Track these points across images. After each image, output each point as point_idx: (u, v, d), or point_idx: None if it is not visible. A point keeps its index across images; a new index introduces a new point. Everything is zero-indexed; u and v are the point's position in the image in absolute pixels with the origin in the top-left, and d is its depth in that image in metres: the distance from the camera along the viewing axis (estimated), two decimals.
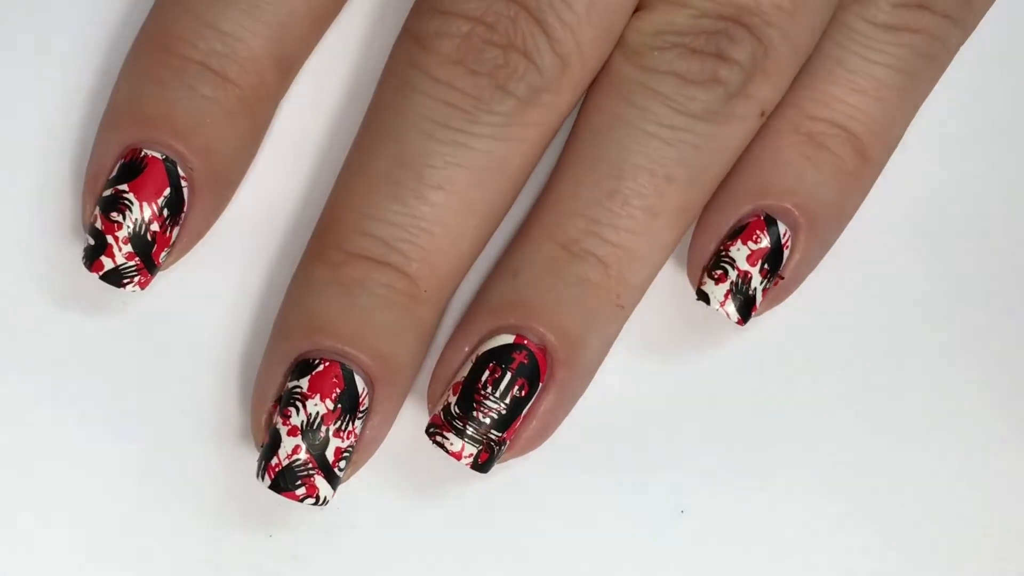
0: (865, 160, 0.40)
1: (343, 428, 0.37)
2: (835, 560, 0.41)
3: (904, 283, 0.43)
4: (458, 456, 0.38)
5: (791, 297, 0.41)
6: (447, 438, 0.38)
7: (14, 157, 0.41)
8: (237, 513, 0.40)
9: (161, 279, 0.40)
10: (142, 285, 0.38)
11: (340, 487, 0.39)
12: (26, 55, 0.42)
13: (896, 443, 0.42)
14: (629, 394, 0.42)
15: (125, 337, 0.41)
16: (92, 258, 0.38)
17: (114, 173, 0.38)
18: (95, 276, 0.38)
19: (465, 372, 0.38)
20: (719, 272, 0.39)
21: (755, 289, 0.39)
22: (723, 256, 0.39)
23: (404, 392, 0.39)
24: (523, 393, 0.38)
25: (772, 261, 0.39)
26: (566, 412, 0.39)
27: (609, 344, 0.40)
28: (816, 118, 0.39)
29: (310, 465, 0.37)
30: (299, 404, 0.37)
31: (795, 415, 0.42)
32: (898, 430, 0.42)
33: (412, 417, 0.40)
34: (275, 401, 0.38)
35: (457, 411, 0.38)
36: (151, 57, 0.39)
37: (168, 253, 0.39)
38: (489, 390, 0.38)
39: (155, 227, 0.38)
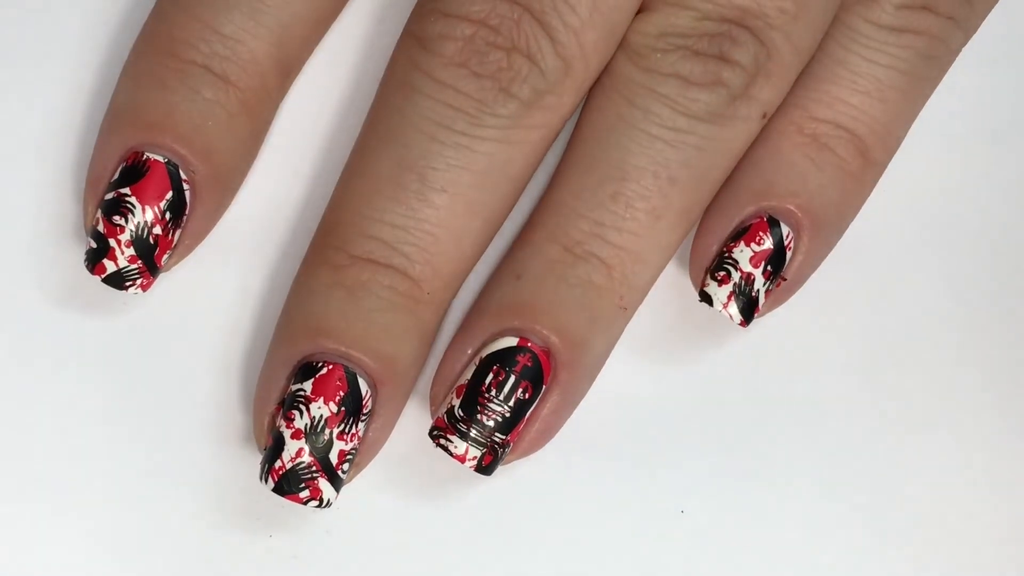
0: (867, 161, 0.40)
1: (347, 431, 0.37)
2: (835, 560, 0.41)
3: (904, 283, 0.43)
4: (462, 459, 0.38)
5: (793, 298, 0.41)
6: (451, 441, 0.38)
7: (15, 160, 0.41)
8: (237, 513, 0.40)
9: (163, 281, 0.40)
10: (144, 287, 0.38)
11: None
12: (26, 57, 0.42)
13: (896, 443, 0.42)
14: (630, 394, 0.42)
15: (127, 339, 0.41)
16: (94, 261, 0.38)
17: (116, 176, 0.38)
18: (97, 279, 0.38)
19: (468, 375, 0.38)
20: (722, 274, 0.39)
21: (758, 291, 0.39)
22: (726, 257, 0.39)
23: (407, 394, 0.39)
24: (527, 395, 0.38)
25: (775, 262, 0.39)
26: (569, 413, 0.39)
27: (612, 345, 0.40)
28: (819, 119, 0.39)
29: (314, 468, 0.37)
30: (303, 407, 0.37)
31: (795, 415, 0.42)
32: (898, 430, 0.42)
33: (413, 418, 0.40)
34: (278, 404, 0.38)
35: (461, 414, 0.38)
36: (152, 60, 0.39)
37: (170, 255, 0.39)
38: (493, 393, 0.38)
39: (157, 230, 0.38)
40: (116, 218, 0.38)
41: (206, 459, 0.40)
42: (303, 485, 0.37)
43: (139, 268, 0.38)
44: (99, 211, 0.38)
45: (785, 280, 0.40)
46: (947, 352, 0.43)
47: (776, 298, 0.40)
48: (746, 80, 0.38)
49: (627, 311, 0.39)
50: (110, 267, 0.38)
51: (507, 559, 0.41)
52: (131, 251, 0.38)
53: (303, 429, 0.37)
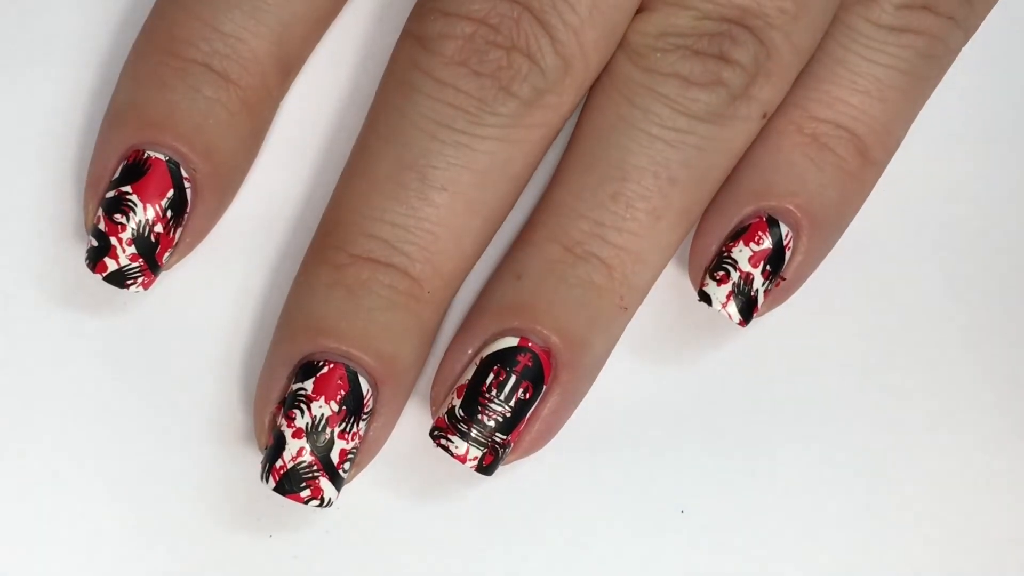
0: (867, 161, 0.40)
1: (348, 430, 0.37)
2: (835, 560, 0.41)
3: (904, 283, 0.43)
4: (463, 459, 0.38)
5: (792, 297, 0.41)
6: (451, 441, 0.38)
7: (16, 159, 0.41)
8: (238, 513, 0.40)
9: (164, 280, 0.40)
10: (145, 286, 0.38)
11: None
12: (27, 56, 0.42)
13: (896, 443, 0.42)
14: (630, 394, 0.42)
15: (128, 339, 0.41)
16: (96, 259, 0.38)
17: (117, 175, 0.38)
18: (98, 277, 0.38)
19: (469, 375, 0.38)
20: (721, 273, 0.39)
21: (757, 290, 0.39)
22: (725, 257, 0.39)
23: (407, 393, 0.39)
24: (527, 395, 0.38)
25: (774, 262, 0.39)
26: (570, 413, 0.39)
27: (612, 345, 0.40)
28: (819, 119, 0.39)
29: (315, 467, 0.37)
30: (304, 406, 0.37)
31: (795, 415, 0.42)
32: (898, 430, 0.42)
33: (414, 418, 0.40)
34: (278, 403, 0.38)
35: (462, 414, 0.38)
36: (153, 58, 0.39)
37: (171, 253, 0.39)
38: (494, 393, 0.38)
39: (159, 228, 0.38)
40: (117, 216, 0.38)
41: (206, 459, 0.40)
42: (304, 484, 0.37)
43: (140, 266, 0.38)
44: (100, 209, 0.38)
45: (784, 280, 0.40)
46: (947, 352, 0.43)
47: (775, 298, 0.40)
48: (746, 80, 0.38)
49: (627, 311, 0.39)
50: (111, 265, 0.38)
51: (507, 559, 0.41)
52: (132, 249, 0.38)
53: (304, 428, 0.37)
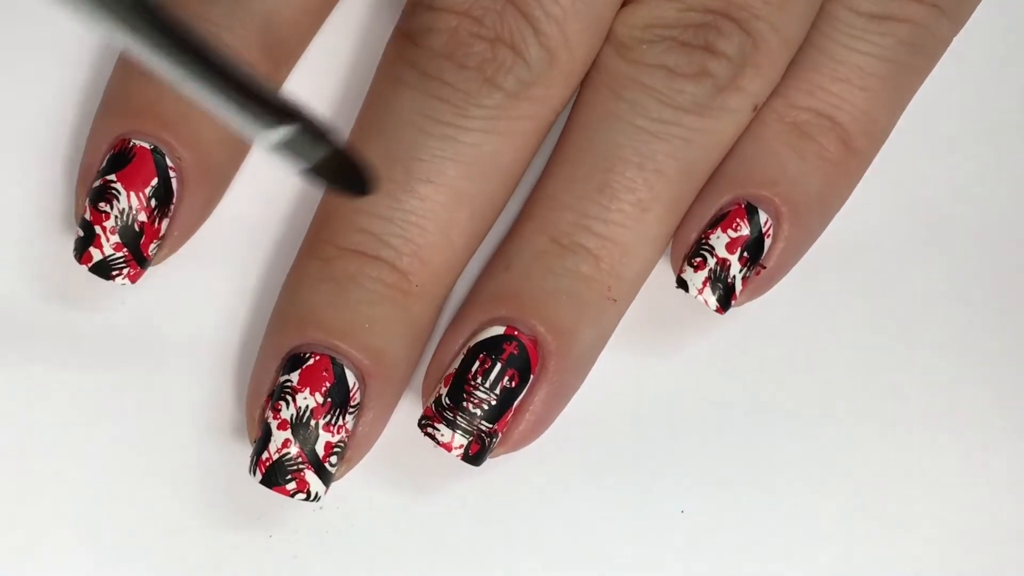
0: (850, 150, 0.40)
1: (333, 422, 0.37)
2: (835, 560, 0.41)
3: (904, 283, 0.43)
4: (448, 447, 0.38)
5: (791, 296, 0.41)
6: (438, 429, 0.38)
7: (13, 152, 0.41)
8: (237, 513, 0.40)
9: (161, 278, 0.40)
10: (132, 278, 0.38)
11: (341, 486, 0.39)
12: (28, 55, 0.42)
13: (896, 443, 0.42)
14: (629, 394, 0.42)
15: (125, 338, 0.41)
16: (82, 250, 0.38)
17: (104, 164, 0.38)
18: (85, 269, 0.38)
19: (457, 364, 0.38)
20: (698, 260, 0.39)
21: (734, 277, 0.39)
22: (703, 244, 0.39)
23: (398, 388, 0.39)
24: (513, 384, 0.38)
25: (752, 250, 0.39)
26: (560, 406, 0.39)
27: (604, 338, 0.40)
28: (801, 107, 0.39)
29: (300, 460, 0.37)
30: (289, 398, 0.37)
31: (795, 415, 0.42)
32: (898, 430, 0.42)
33: (413, 417, 0.40)
34: (268, 395, 0.38)
35: (448, 402, 0.38)
36: None
37: (158, 246, 0.39)
38: (479, 381, 0.38)
39: (142, 216, 0.38)
40: (102, 205, 0.38)
41: (205, 458, 0.40)
42: (290, 477, 0.37)
43: (125, 256, 0.38)
44: (87, 199, 0.38)
45: (764, 268, 0.40)
46: (947, 352, 0.43)
47: (756, 287, 0.40)
48: (732, 71, 0.38)
49: (617, 303, 0.39)
50: (96, 255, 0.38)
51: (507, 559, 0.41)
52: (116, 239, 0.38)
53: (289, 420, 0.37)
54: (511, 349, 0.38)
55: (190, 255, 0.40)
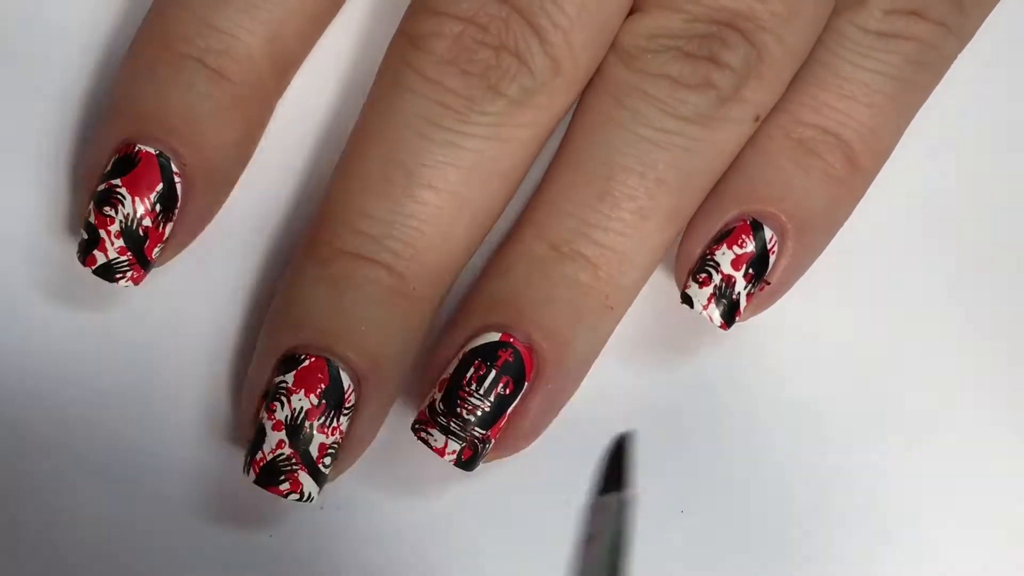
0: (855, 167, 0.40)
1: (327, 424, 0.37)
2: (835, 560, 0.41)
3: (904, 284, 0.43)
4: (441, 452, 0.38)
5: (791, 297, 0.41)
6: (431, 434, 0.38)
7: (16, 153, 0.41)
8: (237, 514, 0.40)
9: (160, 277, 0.40)
10: (135, 280, 0.38)
11: (342, 487, 0.39)
12: (27, 54, 0.42)
13: (896, 443, 0.42)
14: (629, 394, 0.42)
15: (125, 338, 0.41)
16: (86, 252, 0.38)
17: (109, 168, 0.38)
18: (89, 271, 0.38)
19: (452, 369, 0.38)
20: (703, 276, 0.39)
21: (739, 294, 0.39)
22: (708, 260, 0.39)
23: (392, 391, 0.39)
24: (508, 391, 0.38)
25: (757, 266, 0.39)
26: (554, 413, 0.39)
27: (599, 346, 0.40)
28: (806, 124, 0.39)
29: (293, 460, 0.37)
30: (284, 399, 0.37)
31: (795, 415, 0.42)
32: (898, 430, 0.42)
33: (412, 417, 0.40)
34: (263, 396, 0.38)
35: (442, 407, 0.38)
36: (148, 53, 0.39)
37: (162, 249, 0.39)
38: (473, 387, 0.38)
39: (147, 222, 0.38)
40: (107, 209, 0.38)
41: (205, 458, 0.40)
42: (283, 478, 0.37)
43: (129, 260, 0.38)
44: (92, 203, 0.38)
45: (768, 284, 0.40)
46: (946, 351, 0.42)
47: (760, 302, 0.40)
48: (736, 82, 0.38)
49: (614, 311, 0.39)
50: (100, 258, 0.38)
51: (507, 559, 0.41)
52: (121, 242, 0.38)
53: (283, 421, 0.37)
54: (506, 356, 0.38)
55: (189, 256, 0.40)
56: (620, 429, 0.41)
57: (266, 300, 0.40)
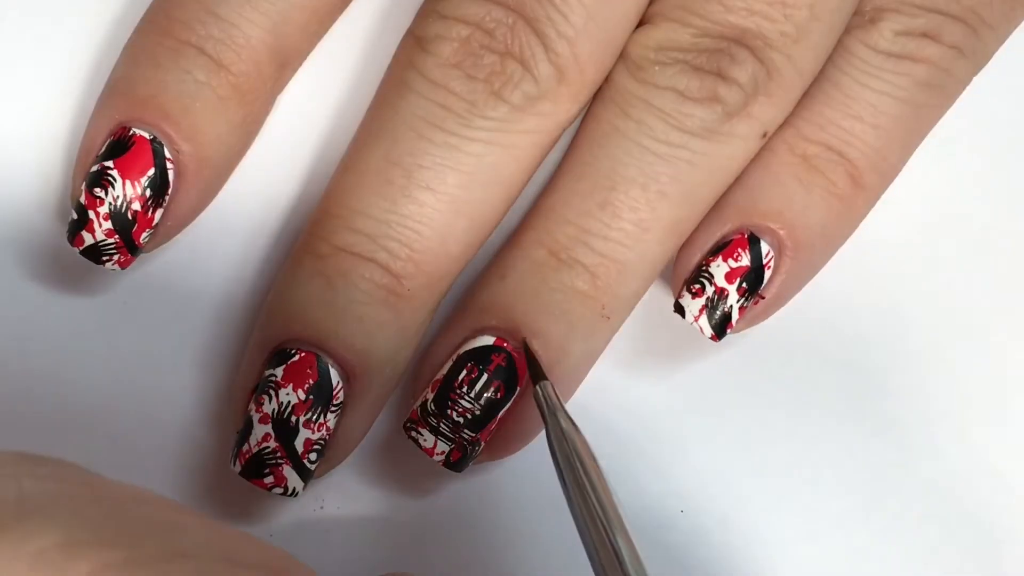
0: (858, 185, 0.39)
1: (314, 420, 0.37)
2: (835, 560, 0.41)
3: (904, 283, 0.43)
4: (430, 453, 0.38)
5: (793, 297, 0.41)
6: (421, 434, 0.38)
7: (16, 140, 0.41)
8: (237, 513, 0.40)
9: (160, 274, 0.40)
10: (122, 264, 0.38)
11: (342, 486, 0.39)
12: (27, 53, 0.42)
13: (896, 443, 0.42)
14: (629, 394, 0.42)
15: (125, 336, 0.41)
16: (74, 232, 0.38)
17: (102, 149, 0.38)
18: (77, 252, 0.38)
19: (445, 370, 0.38)
20: (697, 287, 0.39)
21: (731, 307, 0.39)
22: (703, 271, 0.39)
23: (383, 390, 0.39)
24: (499, 396, 0.38)
25: (751, 280, 0.39)
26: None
27: (594, 355, 0.40)
28: (811, 140, 0.39)
29: (279, 454, 0.37)
30: (272, 392, 0.37)
31: (795, 415, 0.42)
32: (898, 430, 0.42)
33: None
34: (252, 389, 0.38)
35: (433, 408, 0.38)
36: (149, 38, 0.38)
37: (151, 235, 0.38)
38: (465, 390, 0.38)
39: (136, 206, 0.38)
40: (97, 190, 0.38)
41: (204, 458, 0.40)
42: (268, 471, 0.37)
43: (116, 243, 0.38)
44: (84, 183, 0.38)
45: (763, 298, 0.39)
46: (946, 351, 0.43)
47: (754, 316, 0.40)
48: (743, 98, 0.38)
49: (610, 321, 0.39)
50: (88, 239, 0.38)
51: (508, 559, 0.41)
52: (108, 225, 0.38)
53: (270, 414, 0.37)
54: (499, 360, 0.38)
55: (185, 248, 0.40)
56: (618, 430, 0.41)
57: (262, 293, 0.40)
